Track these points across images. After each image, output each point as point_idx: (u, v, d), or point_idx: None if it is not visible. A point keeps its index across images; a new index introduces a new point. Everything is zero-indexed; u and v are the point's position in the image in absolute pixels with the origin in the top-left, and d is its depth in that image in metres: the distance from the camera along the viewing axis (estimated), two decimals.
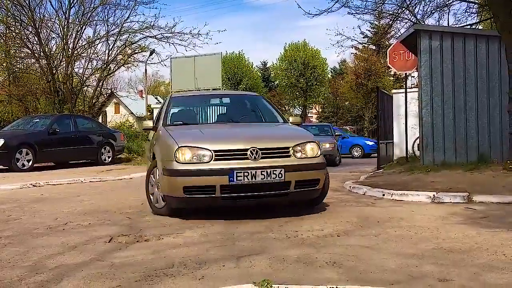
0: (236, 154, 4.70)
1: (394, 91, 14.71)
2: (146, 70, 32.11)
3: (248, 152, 4.68)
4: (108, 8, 18.07)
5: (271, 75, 52.93)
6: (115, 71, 19.65)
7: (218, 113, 6.95)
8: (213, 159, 4.66)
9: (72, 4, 17.78)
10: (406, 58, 12.02)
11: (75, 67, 18.32)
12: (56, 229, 4.55)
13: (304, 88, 45.64)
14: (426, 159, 8.84)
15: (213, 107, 7.17)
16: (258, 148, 4.73)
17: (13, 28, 17.58)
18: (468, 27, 13.83)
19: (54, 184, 8.63)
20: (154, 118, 16.76)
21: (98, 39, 18.30)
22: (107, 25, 18.13)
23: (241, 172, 4.56)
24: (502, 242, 3.63)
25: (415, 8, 14.58)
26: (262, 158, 4.70)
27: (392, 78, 37.79)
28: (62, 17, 17.77)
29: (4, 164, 11.43)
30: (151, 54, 20.02)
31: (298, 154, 4.89)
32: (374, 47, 38.42)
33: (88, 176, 9.80)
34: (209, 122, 6.53)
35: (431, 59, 8.91)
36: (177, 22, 28.79)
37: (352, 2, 21.55)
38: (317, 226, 4.36)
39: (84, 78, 18.60)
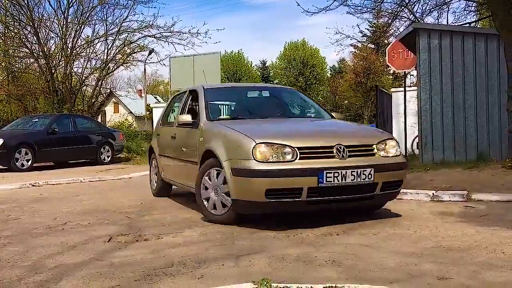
0: (322, 152, 4.20)
1: (393, 89, 14.73)
2: (145, 69, 32.21)
3: (334, 150, 4.20)
4: (107, 7, 18.12)
5: (270, 74, 52.94)
6: (114, 70, 19.69)
7: (262, 107, 5.99)
8: (297, 157, 4.11)
9: (71, 4, 17.81)
10: (405, 56, 12.04)
11: (74, 66, 18.35)
12: (55, 229, 4.55)
13: (303, 87, 45.65)
14: (425, 157, 8.84)
15: (252, 100, 6.21)
16: (344, 145, 4.26)
17: (12, 28, 17.57)
18: (467, 25, 13.84)
19: (53, 184, 8.62)
20: (153, 116, 16.79)
21: (97, 38, 18.33)
22: (106, 25, 18.16)
23: (331, 173, 4.06)
24: (501, 240, 3.63)
25: (414, 7, 14.64)
26: (348, 156, 4.24)
27: (391, 77, 37.83)
28: (61, 16, 17.81)
29: (3, 164, 11.43)
30: (150, 53, 20.02)
31: (382, 153, 4.46)
32: (373, 46, 38.45)
33: (87, 176, 9.79)
34: (259, 117, 5.49)
35: (430, 58, 8.92)
36: (176, 22, 28.81)
37: (350, 1, 21.56)
38: (316, 225, 4.36)
39: (83, 78, 18.61)
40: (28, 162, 11.63)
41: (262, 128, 4.82)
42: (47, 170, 11.93)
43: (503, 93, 8.40)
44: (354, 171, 4.14)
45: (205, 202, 4.66)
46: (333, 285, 2.58)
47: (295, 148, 4.12)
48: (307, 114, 5.87)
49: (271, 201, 4.09)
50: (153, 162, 6.81)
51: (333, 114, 5.82)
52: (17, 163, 11.40)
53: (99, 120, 24.09)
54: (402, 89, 12.72)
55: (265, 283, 2.60)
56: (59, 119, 13.19)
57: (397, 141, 4.73)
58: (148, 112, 29.75)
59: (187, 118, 5.33)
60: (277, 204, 4.14)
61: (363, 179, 4.18)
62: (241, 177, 4.14)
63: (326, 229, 4.20)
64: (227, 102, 6.40)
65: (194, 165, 5.04)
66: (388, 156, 4.48)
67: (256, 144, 4.12)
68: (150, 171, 7.05)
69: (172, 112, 6.83)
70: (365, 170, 4.19)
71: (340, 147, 4.23)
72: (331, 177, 4.07)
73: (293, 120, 5.47)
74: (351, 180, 4.14)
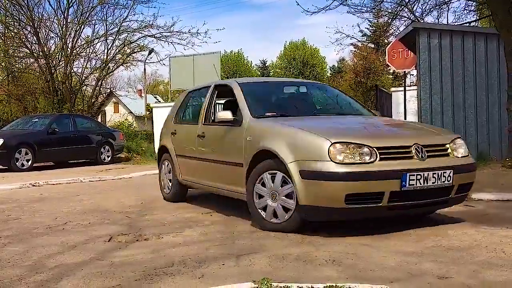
0: (402, 152, 3.87)
1: (393, 89, 14.75)
2: (145, 69, 32.21)
3: (413, 150, 3.89)
4: (107, 7, 18.08)
5: (270, 74, 52.94)
6: (114, 70, 19.67)
7: (305, 103, 5.52)
8: (377, 158, 3.74)
9: (71, 4, 17.80)
10: (405, 56, 12.06)
11: (74, 66, 18.33)
12: (55, 229, 4.55)
13: None
14: None
15: (291, 96, 5.76)
16: (422, 145, 3.95)
17: (12, 28, 17.58)
18: (467, 24, 13.85)
19: (53, 184, 8.62)
20: (153, 116, 16.77)
21: (97, 38, 18.31)
22: (106, 25, 18.13)
23: (413, 175, 3.73)
24: (501, 240, 3.63)
25: (414, 6, 14.66)
26: (427, 157, 3.93)
27: (391, 76, 37.83)
28: (60, 16, 17.79)
29: (4, 164, 11.43)
30: (150, 53, 20.01)
31: (454, 153, 4.17)
32: (373, 45, 38.43)
33: (88, 176, 9.79)
34: (307, 114, 5.09)
35: (430, 57, 8.92)
36: (176, 21, 28.74)
37: (350, 0, 21.58)
38: (316, 225, 4.36)
39: (83, 78, 18.60)
40: (28, 162, 11.62)
41: (328, 126, 4.41)
42: (47, 170, 11.93)
43: (503, 93, 8.41)
44: (435, 173, 3.85)
45: (262, 212, 4.20)
46: (334, 284, 2.58)
47: (374, 148, 3.77)
48: (354, 111, 5.37)
49: (351, 207, 3.73)
50: (165, 163, 6.19)
51: (374, 111, 5.53)
52: (17, 163, 11.39)
53: (99, 120, 24.09)
54: (402, 88, 12.73)
55: (266, 282, 2.61)
56: (59, 119, 13.18)
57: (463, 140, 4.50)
58: (148, 112, 29.76)
59: (228, 115, 4.77)
60: (356, 211, 3.78)
61: (442, 181, 3.89)
62: (314, 180, 3.76)
63: (326, 228, 4.20)
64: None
65: (234, 167, 4.65)
66: (459, 157, 4.20)
67: (332, 143, 3.74)
68: (160, 173, 6.41)
69: (186, 109, 6.37)
70: (445, 172, 3.91)
71: (419, 147, 3.93)
72: (413, 179, 3.75)
73: (352, 118, 5.04)
74: (432, 183, 3.85)
